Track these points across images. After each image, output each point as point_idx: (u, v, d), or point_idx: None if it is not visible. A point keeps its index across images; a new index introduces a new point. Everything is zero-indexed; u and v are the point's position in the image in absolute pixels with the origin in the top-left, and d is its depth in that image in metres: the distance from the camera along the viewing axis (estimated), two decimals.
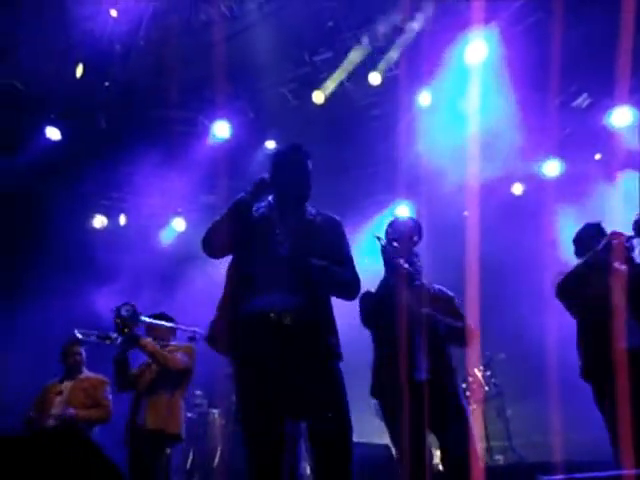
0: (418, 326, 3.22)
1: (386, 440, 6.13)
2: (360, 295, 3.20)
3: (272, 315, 2.42)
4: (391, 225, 3.52)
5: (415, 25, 6.00)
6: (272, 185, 2.65)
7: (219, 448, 6.87)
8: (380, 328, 3.31)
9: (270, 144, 7.62)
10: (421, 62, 6.21)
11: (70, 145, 6.87)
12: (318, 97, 6.78)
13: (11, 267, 6.76)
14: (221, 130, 7.14)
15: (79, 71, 6.14)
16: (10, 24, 5.73)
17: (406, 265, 3.22)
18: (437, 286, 3.51)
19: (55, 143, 6.82)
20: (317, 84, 6.76)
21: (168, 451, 4.14)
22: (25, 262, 6.81)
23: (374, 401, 6.35)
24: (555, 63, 6.10)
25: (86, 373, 4.76)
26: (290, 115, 7.01)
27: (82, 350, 4.77)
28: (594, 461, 3.55)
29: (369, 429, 6.39)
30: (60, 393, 4.56)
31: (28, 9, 5.65)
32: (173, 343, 4.36)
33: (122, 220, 8.00)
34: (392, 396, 3.21)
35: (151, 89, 6.82)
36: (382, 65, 6.48)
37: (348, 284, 2.67)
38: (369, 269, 3.40)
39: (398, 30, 6.24)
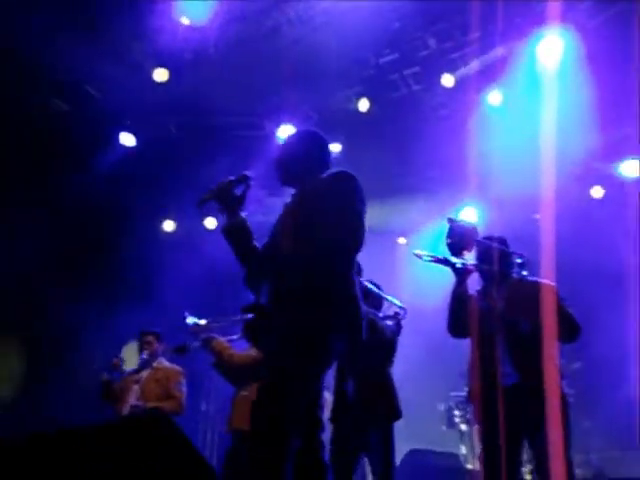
0: (497, 328, 3.13)
1: (455, 448, 6.03)
2: None
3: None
4: (450, 231, 3.44)
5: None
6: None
7: None
8: (465, 335, 3.24)
9: (335, 147, 7.62)
10: (492, 61, 6.06)
11: (143, 151, 7.10)
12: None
13: (94, 266, 7.03)
14: (286, 134, 7.20)
15: (162, 76, 6.32)
16: (84, 33, 5.98)
17: (473, 266, 3.16)
18: (532, 278, 3.36)
19: (129, 149, 7.08)
20: (384, 86, 6.71)
21: None
22: (104, 263, 7.08)
23: (442, 408, 6.25)
24: (635, 59, 5.83)
25: (162, 363, 4.75)
26: (355, 118, 6.98)
27: (154, 340, 4.80)
28: None
29: (437, 437, 6.28)
30: (137, 382, 4.64)
31: (101, 18, 5.88)
32: None
33: (193, 224, 8.20)
34: (481, 401, 3.15)
35: (219, 95, 6.97)
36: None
37: (315, 258, 2.28)
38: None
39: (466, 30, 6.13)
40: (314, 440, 2.33)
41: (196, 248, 7.43)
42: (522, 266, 3.37)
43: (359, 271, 3.96)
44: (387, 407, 3.63)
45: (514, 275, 3.33)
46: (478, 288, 3.34)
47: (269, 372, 2.24)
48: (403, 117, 6.91)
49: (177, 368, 4.73)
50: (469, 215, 7.53)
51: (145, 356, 4.73)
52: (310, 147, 2.65)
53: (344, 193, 2.37)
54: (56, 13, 5.66)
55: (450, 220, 3.34)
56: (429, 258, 3.26)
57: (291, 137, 2.77)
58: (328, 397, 6.94)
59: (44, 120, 6.70)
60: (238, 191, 2.56)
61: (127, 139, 7.05)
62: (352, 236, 2.32)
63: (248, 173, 2.60)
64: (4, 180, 6.27)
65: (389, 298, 4.01)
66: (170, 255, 7.35)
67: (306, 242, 2.31)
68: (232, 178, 2.54)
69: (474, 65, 6.30)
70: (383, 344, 3.76)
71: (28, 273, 6.26)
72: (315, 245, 2.29)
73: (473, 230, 3.40)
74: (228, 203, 2.51)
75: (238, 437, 4.00)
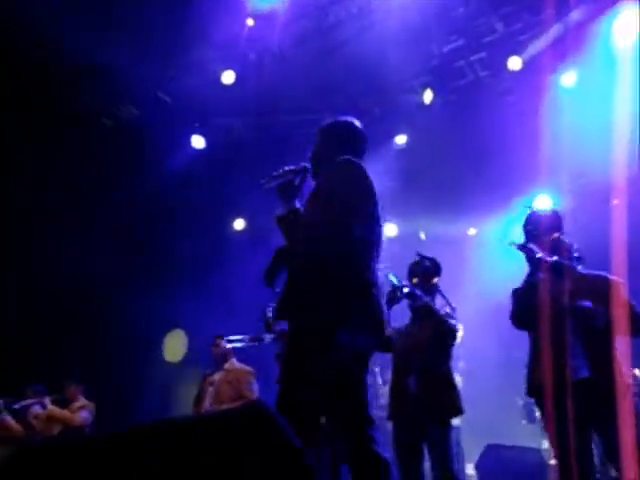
0: (570, 321, 3.03)
1: (536, 443, 5.86)
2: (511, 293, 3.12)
3: None
4: (530, 218, 3.35)
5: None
6: None
7: None
8: (529, 327, 3.17)
9: (400, 139, 7.55)
10: (564, 41, 5.81)
11: (213, 152, 7.29)
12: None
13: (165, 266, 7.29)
14: None
15: (229, 78, 6.46)
16: (152, 41, 6.20)
17: (550, 258, 3.07)
18: (596, 273, 3.26)
19: (199, 151, 7.28)
20: (449, 74, 6.59)
21: None
22: (176, 263, 7.32)
23: (521, 402, 6.06)
24: None
25: (233, 364, 4.79)
26: (420, 108, 6.88)
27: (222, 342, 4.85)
28: None
29: (518, 431, 6.12)
30: (212, 384, 4.75)
31: (167, 26, 6.08)
32: None
33: (263, 222, 8.34)
34: (548, 396, 3.05)
35: (284, 94, 7.05)
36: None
37: (308, 251, 2.33)
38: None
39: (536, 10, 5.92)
40: (364, 437, 2.29)
41: (267, 245, 7.55)
42: (579, 260, 3.27)
43: (436, 270, 3.89)
44: (450, 402, 3.61)
45: (577, 269, 3.23)
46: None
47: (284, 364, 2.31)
48: (470, 105, 6.75)
49: (247, 369, 4.78)
50: (543, 203, 7.28)
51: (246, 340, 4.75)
52: (328, 140, 2.63)
53: (341, 187, 2.34)
54: (124, 23, 5.89)
55: (528, 207, 3.26)
56: (513, 244, 3.18)
57: (317, 131, 2.74)
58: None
59: (117, 125, 7.04)
60: (296, 181, 2.58)
61: (197, 141, 7.26)
62: (347, 232, 2.29)
63: (307, 165, 2.62)
64: (78, 182, 6.59)
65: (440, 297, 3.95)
66: (241, 253, 7.51)
67: (308, 237, 2.36)
68: (292, 167, 2.58)
69: (546, 40, 6.03)
70: (447, 341, 3.74)
71: (107, 273, 6.57)
72: (314, 240, 2.33)
73: (554, 217, 3.29)
74: (287, 191, 2.54)
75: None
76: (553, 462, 5.54)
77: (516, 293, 3.22)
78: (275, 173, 2.55)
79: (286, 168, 2.57)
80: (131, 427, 1.30)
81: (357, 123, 2.70)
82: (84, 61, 6.34)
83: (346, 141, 2.61)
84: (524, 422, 6.03)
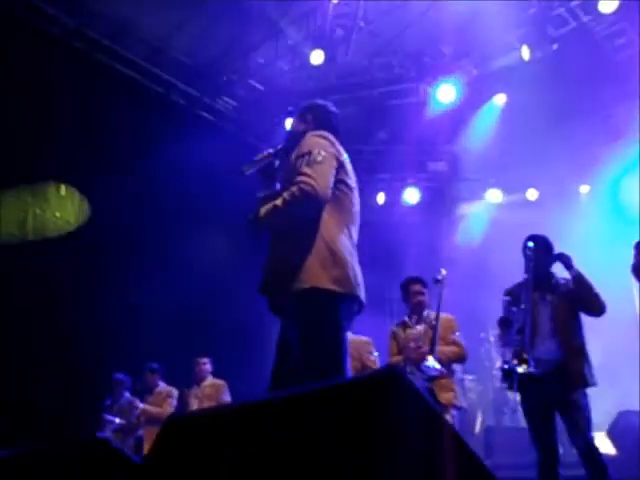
0: None
1: None
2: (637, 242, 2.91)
3: None
4: None
5: None
6: None
7: (479, 415, 6.80)
8: None
9: (500, 98, 7.22)
10: None
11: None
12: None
13: None
14: (446, 94, 6.91)
15: (318, 58, 6.46)
16: (240, 30, 6.32)
17: None
18: None
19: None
20: (549, 23, 6.17)
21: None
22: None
23: None
24: None
25: (350, 336, 4.79)
26: (520, 64, 6.50)
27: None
28: None
29: None
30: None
31: (252, 14, 6.17)
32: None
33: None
34: None
35: (372, 66, 6.95)
36: None
37: (281, 207, 2.35)
38: None
39: None
40: None
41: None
42: None
43: (547, 247, 3.67)
44: (586, 371, 3.43)
45: None
46: None
47: None
48: (574, 53, 6.28)
49: (364, 339, 4.77)
50: None
51: None
52: (303, 120, 2.76)
53: (304, 155, 2.40)
54: (214, 17, 6.04)
55: None
56: None
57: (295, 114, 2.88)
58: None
59: (215, 117, 7.29)
60: (275, 163, 2.66)
61: (290, 124, 7.32)
62: (312, 198, 2.31)
63: (284, 146, 2.68)
64: (186, 178, 6.88)
65: None
66: None
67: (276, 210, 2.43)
68: (271, 151, 2.65)
69: None
70: (592, 314, 3.54)
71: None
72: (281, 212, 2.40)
73: None
74: (268, 174, 2.63)
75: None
76: None
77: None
78: (255, 158, 2.64)
79: (265, 152, 2.65)
80: (269, 398, 1.33)
81: (331, 107, 2.83)
82: (180, 58, 6.62)
83: (319, 121, 2.71)
84: None
